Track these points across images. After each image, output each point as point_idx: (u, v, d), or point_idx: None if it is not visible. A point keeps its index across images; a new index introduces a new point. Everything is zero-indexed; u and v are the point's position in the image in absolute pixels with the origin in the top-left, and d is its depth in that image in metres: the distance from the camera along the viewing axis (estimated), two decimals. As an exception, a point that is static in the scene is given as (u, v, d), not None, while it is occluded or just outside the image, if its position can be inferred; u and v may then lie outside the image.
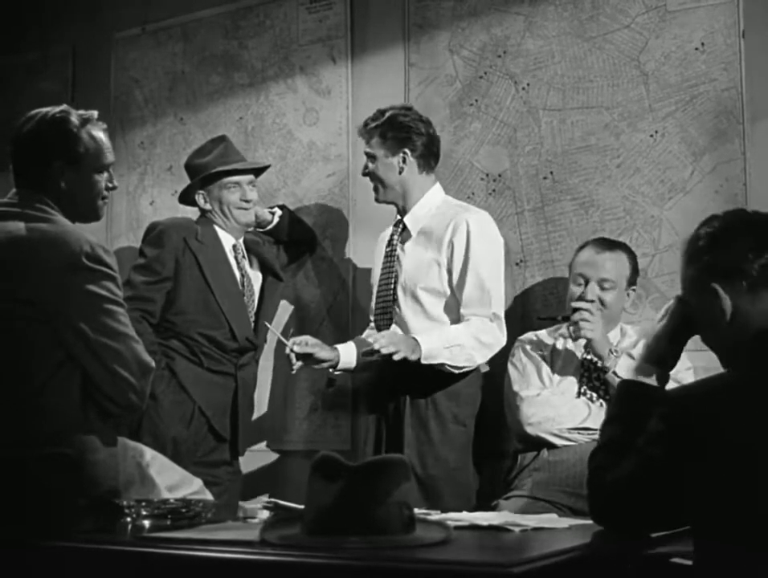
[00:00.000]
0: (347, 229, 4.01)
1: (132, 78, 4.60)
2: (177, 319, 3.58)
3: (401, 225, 3.45)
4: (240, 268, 3.71)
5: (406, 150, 3.38)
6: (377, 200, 3.49)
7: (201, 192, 3.70)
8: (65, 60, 4.78)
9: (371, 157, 3.43)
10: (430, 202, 3.42)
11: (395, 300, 3.37)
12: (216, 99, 4.34)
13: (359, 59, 4.06)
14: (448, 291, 3.30)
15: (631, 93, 3.53)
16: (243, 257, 3.74)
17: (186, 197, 3.78)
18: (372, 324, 3.54)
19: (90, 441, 2.39)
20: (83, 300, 2.34)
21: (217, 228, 3.69)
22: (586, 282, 3.18)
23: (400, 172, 3.39)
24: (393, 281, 3.40)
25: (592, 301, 3.15)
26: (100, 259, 2.36)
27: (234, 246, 3.72)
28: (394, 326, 3.35)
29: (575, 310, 3.15)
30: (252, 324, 3.72)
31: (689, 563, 1.83)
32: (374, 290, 3.51)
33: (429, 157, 3.43)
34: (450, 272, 3.30)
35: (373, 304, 3.50)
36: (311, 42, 4.17)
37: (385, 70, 4.00)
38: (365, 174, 3.48)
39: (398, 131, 3.39)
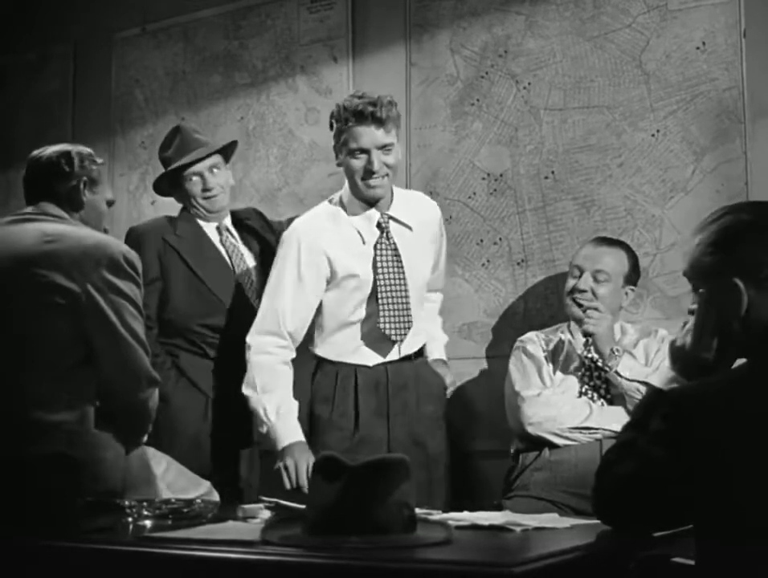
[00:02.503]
0: (348, 229, 4.00)
1: (132, 78, 4.60)
2: (174, 316, 3.50)
3: (386, 220, 3.17)
4: (226, 247, 3.60)
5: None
6: (380, 197, 3.14)
7: (170, 186, 3.64)
8: (65, 60, 4.78)
9: (389, 147, 3.08)
10: (401, 193, 3.28)
11: (409, 302, 3.15)
12: (217, 99, 4.34)
13: (360, 58, 4.06)
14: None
15: (632, 93, 3.53)
16: (231, 235, 3.64)
17: (162, 191, 3.73)
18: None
19: (103, 439, 2.48)
20: (118, 298, 2.52)
21: (196, 217, 3.62)
22: (581, 274, 3.19)
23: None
24: (403, 281, 3.15)
25: (584, 291, 3.16)
26: (135, 267, 2.59)
27: (217, 228, 3.62)
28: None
29: (573, 299, 3.19)
30: (255, 302, 3.54)
31: (691, 562, 1.83)
32: (357, 293, 3.15)
33: None
34: (435, 261, 3.36)
35: (383, 312, 3.12)
36: (312, 41, 4.17)
37: (386, 69, 3.99)
38: (376, 170, 3.06)
39: (398, 116, 3.16)
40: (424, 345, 3.32)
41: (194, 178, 3.57)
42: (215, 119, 4.35)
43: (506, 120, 3.74)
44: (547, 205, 3.64)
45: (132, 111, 4.57)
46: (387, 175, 3.10)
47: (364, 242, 3.16)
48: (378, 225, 3.17)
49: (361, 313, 3.17)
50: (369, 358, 3.17)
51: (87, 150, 2.74)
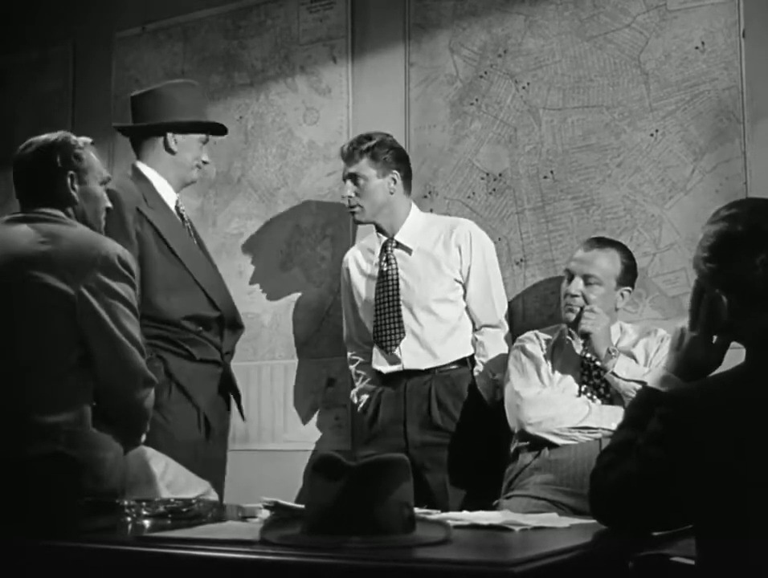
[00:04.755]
0: (347, 229, 4.01)
1: (132, 78, 4.59)
2: (158, 300, 3.24)
3: (392, 244, 3.54)
4: (188, 227, 3.46)
5: (395, 171, 3.52)
6: (358, 221, 3.57)
7: (173, 133, 3.40)
8: (65, 60, 4.78)
9: (358, 178, 3.50)
10: (416, 220, 3.58)
11: (401, 315, 3.46)
12: (216, 99, 4.33)
13: (359, 58, 4.06)
14: (458, 299, 3.48)
15: (631, 92, 3.53)
16: (187, 217, 3.49)
17: (140, 126, 3.44)
18: (353, 355, 3.69)
19: (102, 439, 2.47)
20: (112, 300, 2.49)
21: (155, 183, 3.38)
22: (572, 278, 3.19)
23: (391, 193, 3.52)
24: (395, 297, 3.48)
25: (575, 295, 3.17)
26: (129, 267, 2.55)
27: (177, 204, 3.43)
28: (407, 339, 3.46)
29: (566, 305, 3.20)
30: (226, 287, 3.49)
31: (690, 562, 1.83)
32: (367, 310, 3.56)
33: (410, 179, 3.60)
34: (460, 282, 3.48)
35: (369, 325, 3.55)
36: (311, 41, 4.17)
37: (385, 69, 4.00)
38: (348, 197, 3.50)
39: (388, 153, 3.52)
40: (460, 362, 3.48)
41: (203, 146, 3.50)
42: (214, 118, 4.31)
43: (505, 120, 3.74)
44: (546, 204, 3.64)
45: (132, 111, 4.57)
46: (359, 205, 3.50)
47: (371, 263, 3.59)
48: (383, 248, 3.54)
49: (371, 325, 3.54)
50: (383, 366, 3.51)
51: (70, 140, 2.64)
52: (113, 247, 2.54)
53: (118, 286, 2.50)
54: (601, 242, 3.25)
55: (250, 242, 4.20)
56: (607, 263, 3.19)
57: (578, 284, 3.18)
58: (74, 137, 2.66)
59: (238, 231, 4.22)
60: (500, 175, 3.73)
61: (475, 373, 3.43)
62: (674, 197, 3.44)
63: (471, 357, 3.48)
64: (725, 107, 3.37)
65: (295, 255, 4.12)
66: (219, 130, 3.62)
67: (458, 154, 3.79)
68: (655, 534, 1.97)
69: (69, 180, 2.61)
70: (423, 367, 3.44)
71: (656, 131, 3.48)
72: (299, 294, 4.09)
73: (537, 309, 3.62)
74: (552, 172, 3.64)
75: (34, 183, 2.62)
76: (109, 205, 2.74)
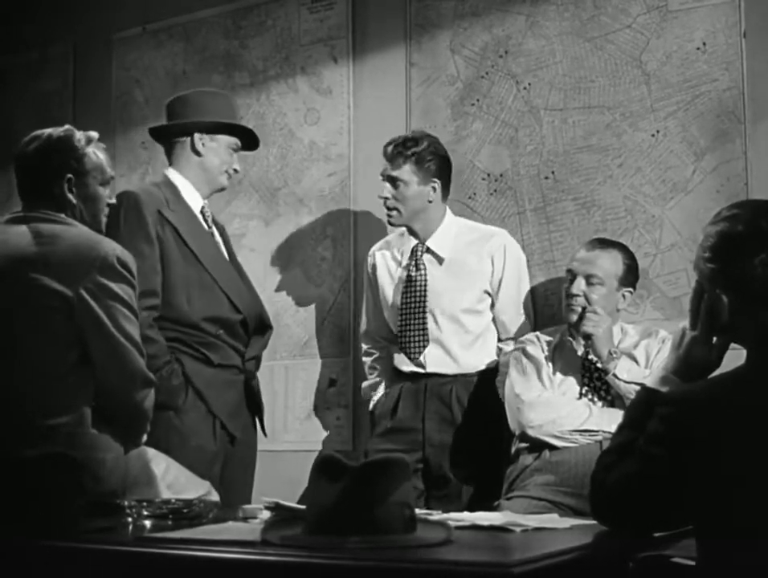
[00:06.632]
0: (348, 229, 4.01)
1: (132, 78, 4.60)
2: (178, 301, 3.20)
3: (422, 249, 3.49)
4: (213, 232, 3.41)
5: (436, 180, 3.45)
6: (392, 223, 3.50)
7: (204, 135, 3.37)
8: (65, 60, 4.78)
9: (398, 181, 3.41)
10: (450, 226, 3.51)
11: (425, 323, 3.42)
12: (217, 99, 4.33)
13: (360, 58, 4.06)
14: (486, 310, 3.46)
15: (632, 93, 3.53)
16: (212, 223, 3.44)
17: (167, 126, 3.43)
18: (369, 348, 3.68)
19: (101, 440, 2.47)
20: (111, 302, 2.47)
21: (181, 189, 3.35)
22: (574, 278, 3.19)
23: (429, 201, 3.45)
24: (422, 304, 3.43)
25: (577, 295, 3.16)
26: (128, 267, 2.51)
27: (202, 209, 3.39)
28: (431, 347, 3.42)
29: (568, 305, 3.19)
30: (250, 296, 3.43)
31: (691, 563, 1.83)
32: (392, 312, 3.52)
33: (449, 186, 3.54)
34: (488, 294, 3.45)
35: (393, 325, 3.51)
36: (312, 41, 4.17)
37: (386, 70, 4.00)
38: (384, 198, 3.42)
39: (432, 161, 3.44)
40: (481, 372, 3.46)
41: (234, 154, 3.44)
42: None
43: (506, 121, 3.74)
44: (547, 205, 3.64)
45: (133, 112, 4.57)
46: (396, 209, 3.43)
47: (399, 265, 3.54)
48: (413, 252, 3.48)
49: (396, 328, 3.50)
50: (406, 366, 3.47)
51: (72, 140, 2.57)
52: (112, 248, 2.50)
53: (117, 288, 2.48)
54: (603, 243, 3.25)
55: (251, 243, 4.20)
56: (609, 263, 3.19)
57: (580, 284, 3.18)
58: (78, 134, 2.60)
59: (239, 231, 4.22)
60: (501, 176, 3.73)
61: (498, 383, 3.39)
62: (675, 197, 3.44)
63: (495, 366, 3.44)
64: (725, 108, 3.37)
65: (295, 255, 4.12)
66: (250, 138, 3.50)
67: (459, 155, 3.79)
68: (656, 534, 1.97)
69: (66, 184, 2.56)
70: (446, 372, 3.42)
71: (657, 131, 3.48)
72: (299, 294, 4.09)
73: (538, 310, 3.61)
74: (553, 172, 3.64)
75: (33, 184, 2.59)
76: (111, 201, 2.69)
